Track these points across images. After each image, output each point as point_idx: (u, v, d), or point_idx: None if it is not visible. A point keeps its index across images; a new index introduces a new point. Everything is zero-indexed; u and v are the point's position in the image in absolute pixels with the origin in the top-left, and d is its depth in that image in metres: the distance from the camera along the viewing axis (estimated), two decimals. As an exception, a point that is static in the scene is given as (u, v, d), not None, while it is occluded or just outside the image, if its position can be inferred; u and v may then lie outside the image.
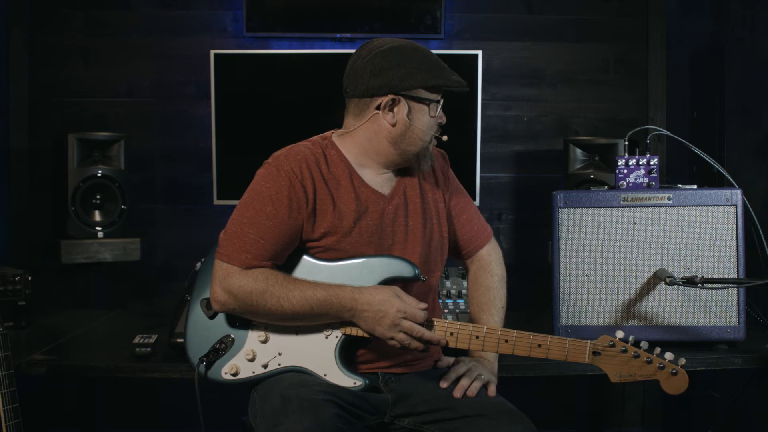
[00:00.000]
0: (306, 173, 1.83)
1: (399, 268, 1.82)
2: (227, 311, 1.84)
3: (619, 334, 1.76)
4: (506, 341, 1.77)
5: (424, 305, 1.78)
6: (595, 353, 1.75)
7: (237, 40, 3.48)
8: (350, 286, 1.78)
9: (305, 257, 1.86)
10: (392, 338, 1.75)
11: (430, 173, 2.02)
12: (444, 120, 1.91)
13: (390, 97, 1.83)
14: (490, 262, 2.09)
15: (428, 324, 1.79)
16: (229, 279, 1.78)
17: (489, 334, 1.78)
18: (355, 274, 1.81)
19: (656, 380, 1.75)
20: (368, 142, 1.89)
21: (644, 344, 1.76)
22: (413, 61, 1.84)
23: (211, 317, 1.88)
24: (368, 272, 1.81)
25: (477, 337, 1.78)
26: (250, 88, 3.31)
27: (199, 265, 2.00)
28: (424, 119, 1.86)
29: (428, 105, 1.86)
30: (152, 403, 3.43)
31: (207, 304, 1.88)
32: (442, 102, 1.89)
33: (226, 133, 3.29)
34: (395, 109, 1.85)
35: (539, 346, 1.76)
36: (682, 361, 1.75)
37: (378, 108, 1.85)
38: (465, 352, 2.00)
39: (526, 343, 1.76)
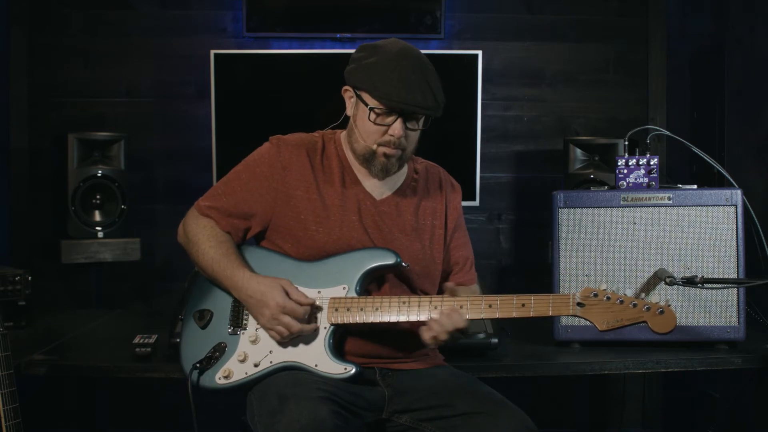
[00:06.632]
0: (294, 159, 1.89)
1: (380, 256, 1.84)
2: (181, 244, 1.98)
3: (603, 285, 1.74)
4: (490, 306, 1.77)
5: (309, 301, 1.80)
6: (579, 305, 1.73)
7: (237, 40, 3.48)
8: (248, 271, 1.84)
9: (287, 258, 1.88)
10: (271, 330, 1.80)
11: (440, 199, 2.01)
12: (397, 134, 1.81)
13: (347, 86, 1.89)
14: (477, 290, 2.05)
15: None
16: (187, 218, 1.97)
17: (473, 302, 1.78)
18: (338, 269, 1.84)
19: (644, 322, 1.72)
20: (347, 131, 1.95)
21: (628, 291, 1.74)
22: (382, 64, 1.79)
23: (203, 327, 1.88)
24: (351, 266, 1.84)
25: (461, 307, 1.77)
26: (250, 88, 3.30)
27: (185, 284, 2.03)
28: (365, 121, 1.84)
29: (369, 109, 1.82)
30: (152, 403, 3.43)
31: (199, 316, 1.90)
32: (396, 118, 1.80)
33: (226, 133, 3.29)
34: (347, 99, 1.91)
35: (523, 305, 1.75)
36: (668, 299, 1.74)
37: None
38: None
39: (509, 305, 1.76)
